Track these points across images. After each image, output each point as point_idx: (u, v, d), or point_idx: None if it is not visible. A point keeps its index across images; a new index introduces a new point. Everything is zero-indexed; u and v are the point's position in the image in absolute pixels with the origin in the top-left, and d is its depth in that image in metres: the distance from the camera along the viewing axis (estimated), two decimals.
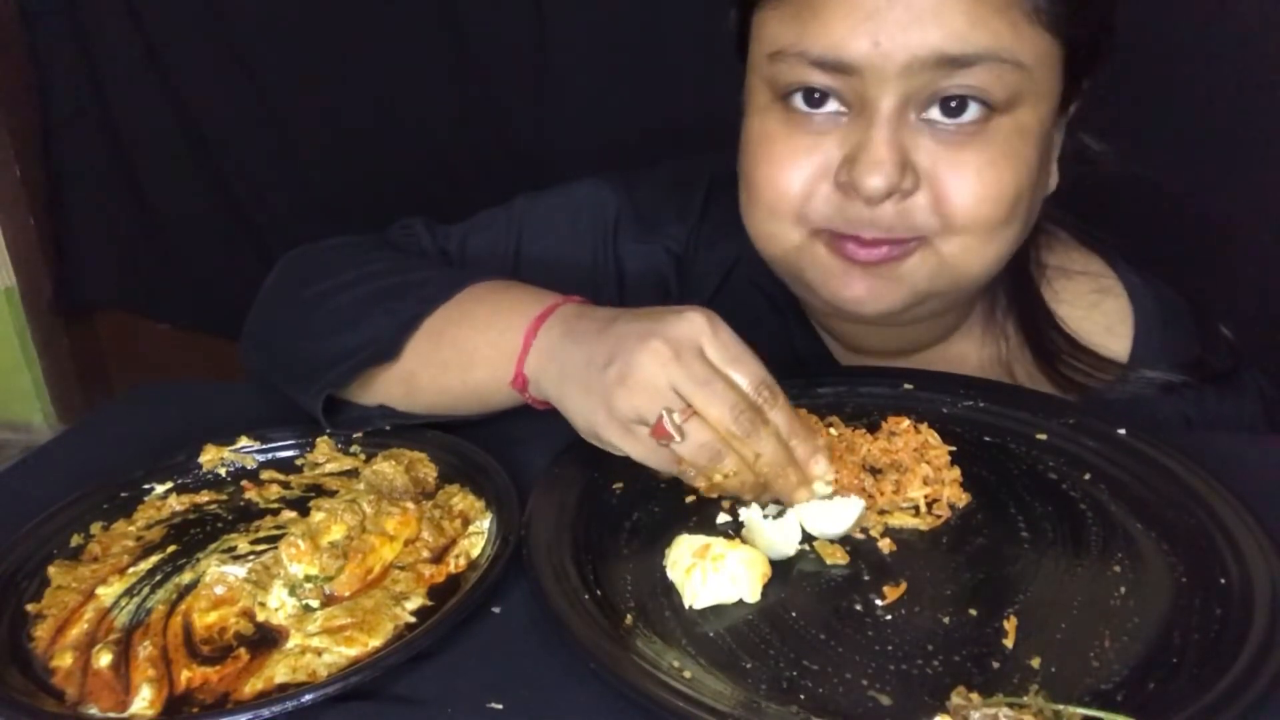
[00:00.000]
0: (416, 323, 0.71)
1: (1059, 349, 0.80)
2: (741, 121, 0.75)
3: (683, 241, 0.87)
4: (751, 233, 0.75)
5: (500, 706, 0.51)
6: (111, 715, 0.51)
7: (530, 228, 0.89)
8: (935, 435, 0.68)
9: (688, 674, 0.51)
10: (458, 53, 1.64)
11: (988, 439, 0.71)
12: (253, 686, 0.52)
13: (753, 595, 0.57)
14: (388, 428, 0.75)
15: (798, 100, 0.68)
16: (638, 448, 0.62)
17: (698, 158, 0.89)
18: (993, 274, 0.73)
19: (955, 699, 0.48)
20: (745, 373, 0.61)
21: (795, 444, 0.62)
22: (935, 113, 0.66)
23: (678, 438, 0.59)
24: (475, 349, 0.70)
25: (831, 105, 0.68)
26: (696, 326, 0.61)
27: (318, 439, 0.75)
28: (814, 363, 0.87)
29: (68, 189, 1.98)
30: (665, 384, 0.59)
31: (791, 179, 0.69)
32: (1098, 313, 0.82)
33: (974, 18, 0.63)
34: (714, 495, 0.64)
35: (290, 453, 0.75)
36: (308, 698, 0.50)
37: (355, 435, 0.75)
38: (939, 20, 0.63)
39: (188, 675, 0.53)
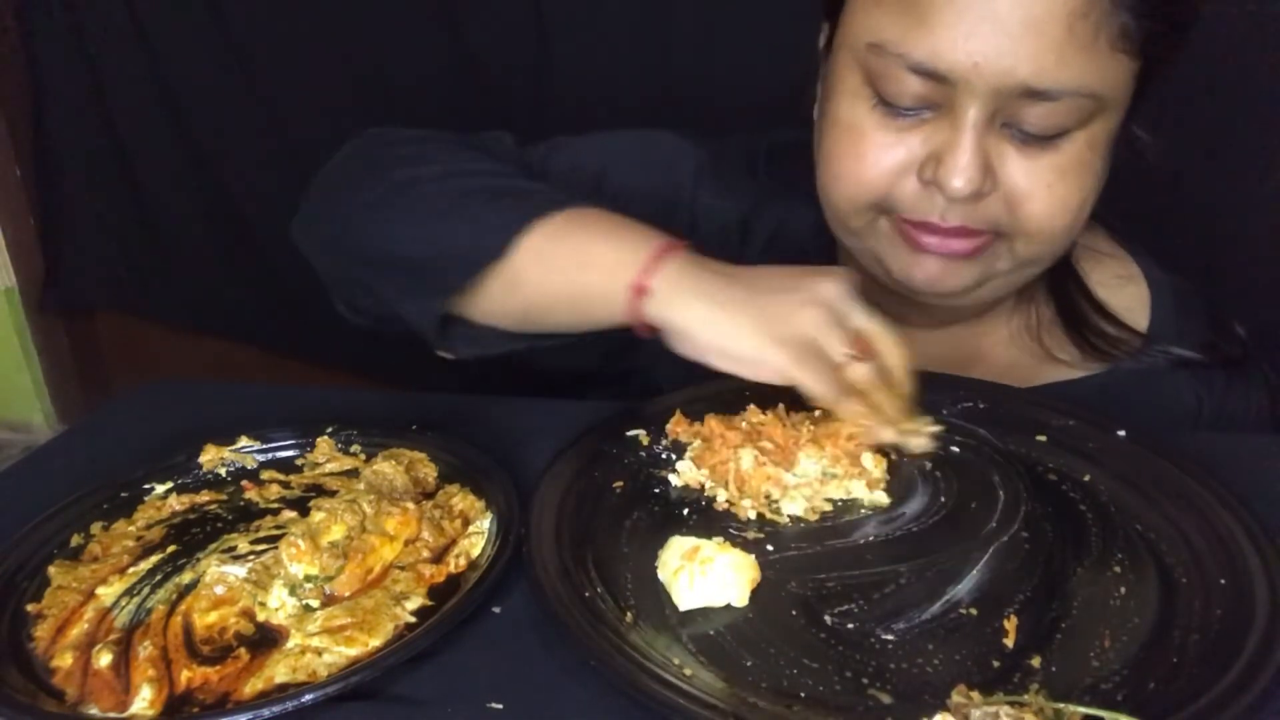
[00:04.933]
0: (532, 221, 0.70)
1: (1087, 319, 0.83)
2: (819, 85, 0.76)
3: (749, 206, 0.89)
4: (827, 210, 0.78)
5: (500, 706, 0.51)
6: (111, 715, 0.51)
7: (616, 159, 0.89)
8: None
9: (688, 672, 0.51)
10: (457, 49, 1.64)
11: (988, 439, 0.71)
12: (253, 686, 0.52)
13: (740, 600, 0.56)
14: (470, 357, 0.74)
15: (890, 96, 0.70)
16: (811, 374, 0.63)
17: (756, 133, 0.92)
18: (1054, 262, 0.78)
19: (955, 698, 0.48)
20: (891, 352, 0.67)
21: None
22: (1015, 123, 0.68)
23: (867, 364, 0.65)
24: (595, 252, 0.69)
25: (921, 105, 0.69)
26: (837, 289, 0.66)
27: (318, 439, 0.75)
28: None
29: (65, 189, 1.98)
30: (848, 319, 0.65)
31: (876, 174, 0.72)
32: (1120, 295, 0.85)
33: (1063, 55, 0.64)
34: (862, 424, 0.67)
35: (290, 453, 0.75)
36: (308, 698, 0.50)
37: (355, 434, 0.75)
38: (1031, 54, 0.64)
39: (188, 675, 0.53)
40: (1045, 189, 0.69)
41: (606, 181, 0.87)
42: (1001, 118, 0.68)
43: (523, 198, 0.73)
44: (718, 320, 0.64)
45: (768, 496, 0.66)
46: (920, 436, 0.68)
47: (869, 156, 0.72)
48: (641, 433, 0.73)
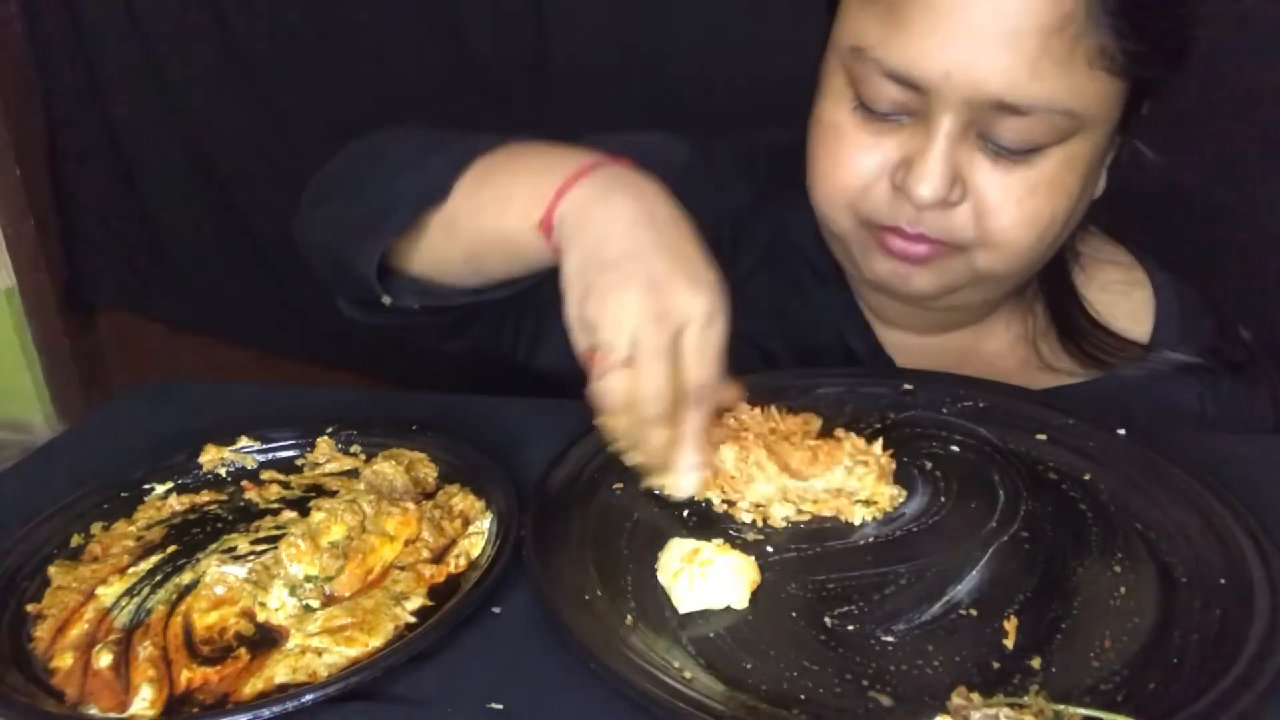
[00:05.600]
0: (466, 164, 0.71)
1: (1082, 329, 0.83)
2: (816, 85, 0.77)
3: (744, 206, 0.89)
4: (814, 204, 0.79)
5: (500, 706, 0.51)
6: (111, 715, 0.51)
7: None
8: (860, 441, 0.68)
9: (688, 675, 0.51)
10: (457, 49, 1.64)
11: (988, 439, 0.71)
12: (253, 687, 0.52)
13: (740, 602, 0.56)
14: (417, 306, 0.76)
15: (868, 100, 0.71)
16: (577, 345, 0.63)
17: (755, 132, 0.92)
18: (1027, 276, 0.78)
19: (955, 699, 0.48)
20: (700, 373, 0.61)
21: (679, 451, 0.63)
22: (989, 135, 0.69)
23: (597, 373, 0.60)
24: (513, 190, 0.69)
25: (898, 111, 0.70)
26: (697, 310, 0.61)
27: (318, 439, 0.75)
28: (848, 329, 0.88)
29: (67, 190, 1.98)
30: (630, 326, 0.59)
31: (851, 176, 0.73)
32: (1124, 300, 0.85)
33: (1036, 68, 0.64)
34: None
35: (290, 453, 0.75)
36: (308, 698, 0.50)
37: (355, 434, 0.75)
38: (1004, 67, 0.65)
39: (188, 675, 0.53)
40: (1014, 203, 0.70)
41: None
42: (976, 129, 0.68)
43: (465, 143, 0.74)
44: (567, 261, 0.64)
45: (758, 505, 0.65)
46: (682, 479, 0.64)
47: (845, 157, 0.73)
48: None
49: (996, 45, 0.64)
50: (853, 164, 0.73)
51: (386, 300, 0.75)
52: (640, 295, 0.60)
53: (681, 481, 0.64)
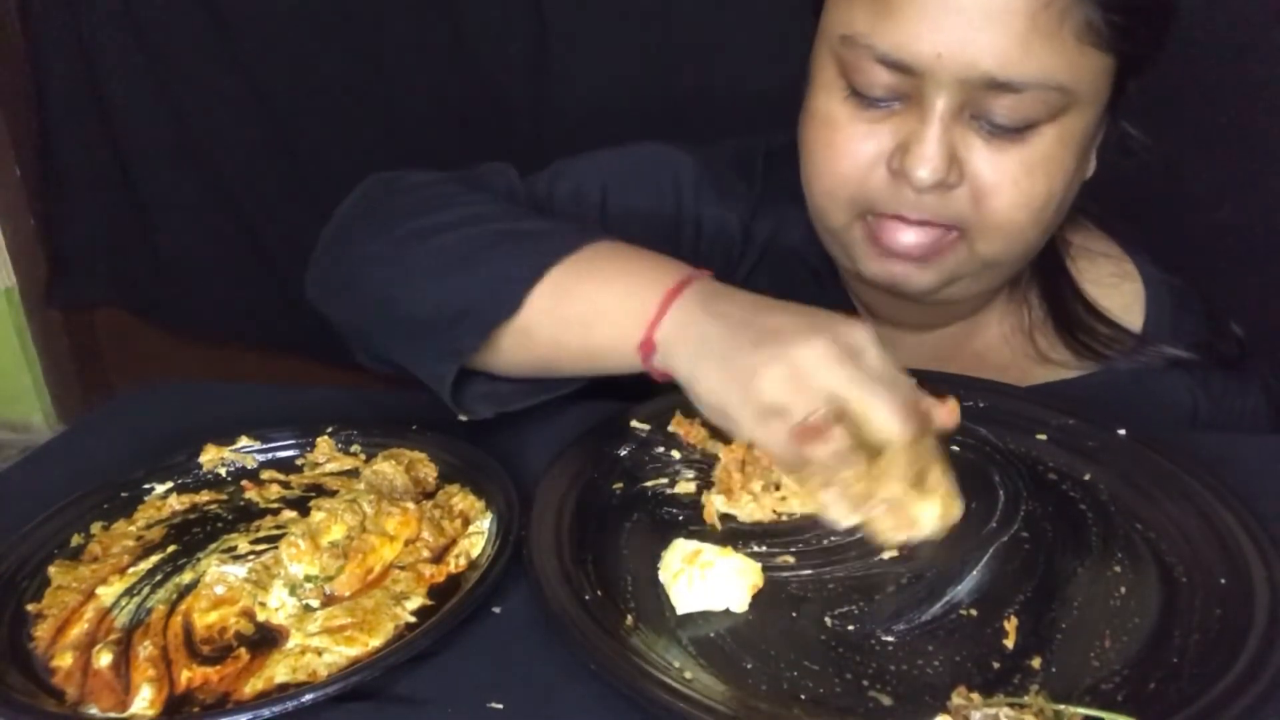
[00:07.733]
0: (541, 273, 0.68)
1: (1079, 319, 0.83)
2: (806, 82, 0.77)
3: (749, 210, 0.89)
4: (809, 202, 0.79)
5: (500, 706, 0.51)
6: (111, 715, 0.51)
7: (615, 178, 0.88)
8: None
9: (688, 674, 0.51)
10: (457, 49, 1.64)
11: (988, 439, 0.71)
12: (253, 686, 0.52)
13: (740, 605, 0.56)
14: (490, 415, 0.72)
15: (861, 87, 0.71)
16: (769, 437, 0.59)
17: (752, 137, 0.92)
18: (1024, 263, 0.78)
19: (955, 699, 0.48)
20: (902, 391, 0.60)
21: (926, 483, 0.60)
22: (983, 115, 0.69)
23: (826, 439, 0.57)
24: (603, 308, 0.67)
25: (891, 96, 0.70)
26: (863, 337, 0.60)
27: (318, 439, 0.75)
28: None
29: (66, 189, 1.98)
30: (820, 385, 0.58)
31: (849, 166, 0.73)
32: (1115, 294, 0.85)
33: (1027, 45, 0.65)
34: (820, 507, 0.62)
35: (290, 452, 0.75)
36: (308, 698, 0.50)
37: (355, 434, 0.75)
38: (994, 45, 0.65)
39: (188, 675, 0.53)
40: (1011, 182, 0.70)
41: (608, 204, 0.87)
42: (970, 110, 0.69)
43: (530, 243, 0.71)
44: (705, 374, 0.62)
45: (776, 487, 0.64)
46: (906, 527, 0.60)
47: (841, 147, 0.73)
48: (644, 429, 0.73)
49: (987, 23, 0.65)
50: (849, 153, 0.73)
51: (463, 418, 0.72)
52: (816, 348, 0.58)
53: (924, 518, 0.60)
